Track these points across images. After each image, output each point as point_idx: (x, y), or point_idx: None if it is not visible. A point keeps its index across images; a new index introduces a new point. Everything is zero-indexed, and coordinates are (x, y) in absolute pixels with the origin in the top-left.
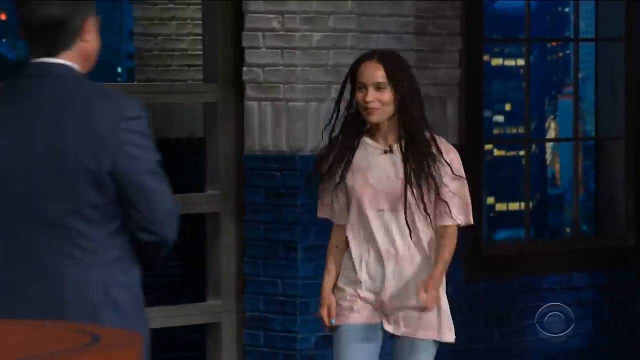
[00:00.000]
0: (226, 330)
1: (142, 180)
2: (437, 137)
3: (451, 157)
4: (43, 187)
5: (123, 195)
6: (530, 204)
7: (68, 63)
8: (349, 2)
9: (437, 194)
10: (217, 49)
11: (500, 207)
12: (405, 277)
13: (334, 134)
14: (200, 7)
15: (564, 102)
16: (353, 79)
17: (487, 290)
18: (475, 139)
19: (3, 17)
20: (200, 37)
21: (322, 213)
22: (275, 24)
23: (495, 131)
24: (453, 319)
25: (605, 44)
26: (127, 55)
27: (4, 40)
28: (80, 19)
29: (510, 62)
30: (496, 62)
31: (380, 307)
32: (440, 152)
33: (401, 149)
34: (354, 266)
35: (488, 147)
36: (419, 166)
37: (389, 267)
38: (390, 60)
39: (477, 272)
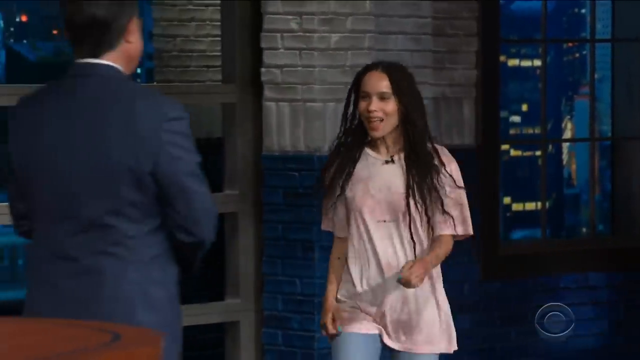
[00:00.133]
0: (244, 329)
1: (182, 181)
2: (438, 147)
3: (452, 168)
4: (85, 186)
5: (163, 195)
6: (547, 204)
7: (112, 64)
8: (367, 3)
9: (441, 205)
10: (235, 50)
11: (517, 207)
12: (405, 289)
13: (335, 144)
14: (219, 8)
15: (580, 102)
16: (357, 89)
17: (504, 290)
18: (492, 140)
19: (24, 18)
20: (219, 38)
21: (325, 226)
22: (293, 25)
23: (512, 131)
24: (470, 319)
25: (622, 44)
26: (146, 56)
27: (24, 41)
28: (124, 19)
29: (526, 63)
30: (513, 62)
31: (380, 320)
32: (443, 164)
33: (404, 161)
34: (352, 280)
35: (505, 147)
36: (422, 179)
37: (389, 279)
38: (395, 71)
39: (494, 271)
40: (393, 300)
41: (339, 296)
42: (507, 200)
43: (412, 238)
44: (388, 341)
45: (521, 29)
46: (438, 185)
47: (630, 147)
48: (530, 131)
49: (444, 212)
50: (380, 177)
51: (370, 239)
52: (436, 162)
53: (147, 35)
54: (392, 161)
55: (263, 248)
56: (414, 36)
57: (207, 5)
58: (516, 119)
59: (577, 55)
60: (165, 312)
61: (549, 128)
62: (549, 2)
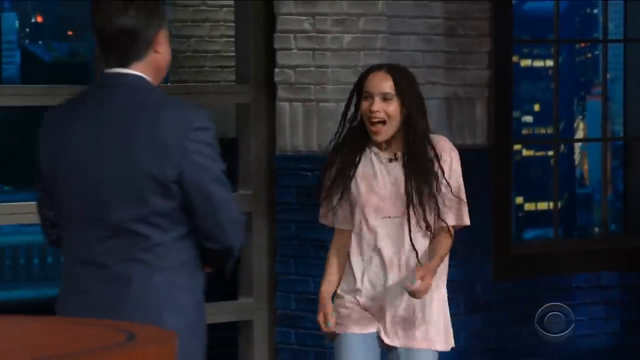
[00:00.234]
0: (258, 328)
1: (207, 189)
2: (438, 137)
3: (453, 156)
4: (112, 194)
5: (189, 203)
6: (559, 204)
7: (140, 74)
8: (379, 4)
9: (439, 209)
10: (249, 50)
11: (529, 206)
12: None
13: (334, 143)
14: (232, 9)
15: (593, 102)
16: (359, 89)
17: (516, 289)
18: (504, 140)
19: (39, 19)
20: (233, 39)
21: (324, 220)
22: (306, 26)
23: (524, 131)
24: (481, 318)
25: (634, 44)
26: None
27: (39, 42)
28: (153, 30)
29: (539, 63)
30: (525, 63)
31: (379, 316)
32: (443, 171)
33: (403, 164)
34: (353, 274)
35: (517, 147)
36: (421, 186)
37: (391, 275)
38: (398, 73)
39: (506, 271)
40: (393, 296)
41: (338, 291)
42: (519, 200)
43: (411, 242)
44: (386, 339)
45: (533, 30)
46: (436, 193)
47: None
48: (543, 131)
49: (443, 209)
50: (384, 174)
51: (374, 235)
52: (436, 167)
53: None
54: (396, 159)
55: (276, 247)
56: (426, 37)
57: (221, 6)
58: (528, 119)
59: (590, 55)
60: (191, 318)
61: (562, 128)
62: (561, 3)
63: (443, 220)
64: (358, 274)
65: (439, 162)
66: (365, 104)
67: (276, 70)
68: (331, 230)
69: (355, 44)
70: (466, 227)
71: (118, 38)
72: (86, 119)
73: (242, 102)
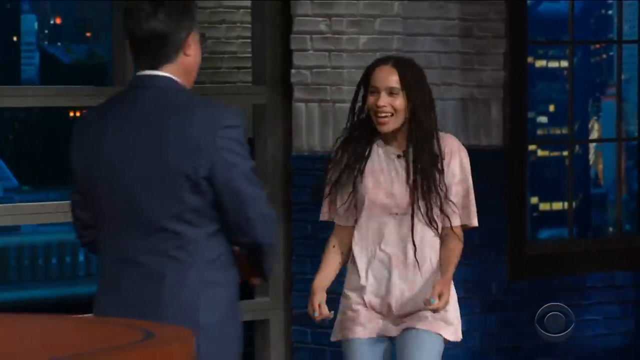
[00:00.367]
0: (274, 328)
1: (237, 186)
2: (447, 136)
3: (462, 156)
4: (147, 193)
5: (218, 199)
6: (574, 204)
7: (170, 75)
8: (395, 5)
9: (441, 207)
10: (265, 51)
11: (544, 206)
12: (412, 283)
13: (342, 139)
14: (249, 10)
15: (607, 103)
16: (366, 83)
17: (530, 289)
18: (520, 140)
19: (58, 21)
20: (249, 40)
21: (324, 217)
22: (322, 27)
23: (539, 132)
24: (496, 318)
25: None
26: None
27: (58, 43)
28: (183, 34)
29: (554, 64)
30: (540, 64)
31: (386, 312)
32: (443, 171)
33: (409, 159)
34: (358, 271)
35: (532, 147)
36: (424, 182)
37: (396, 271)
38: (405, 67)
39: (521, 271)
40: (399, 292)
41: (345, 290)
42: (534, 200)
43: (412, 237)
44: (392, 333)
45: (548, 31)
46: (440, 189)
47: None
48: (558, 132)
49: (447, 209)
50: (391, 170)
51: (380, 232)
52: (439, 165)
53: None
54: (404, 155)
55: (292, 247)
56: (441, 38)
57: (237, 8)
58: (543, 119)
59: (604, 56)
60: (226, 313)
61: (576, 128)
62: (576, 4)
63: (449, 220)
64: (362, 270)
65: (443, 159)
66: (371, 99)
67: (292, 71)
68: None
69: (371, 45)
70: (474, 228)
71: (148, 42)
72: (119, 121)
73: (259, 102)
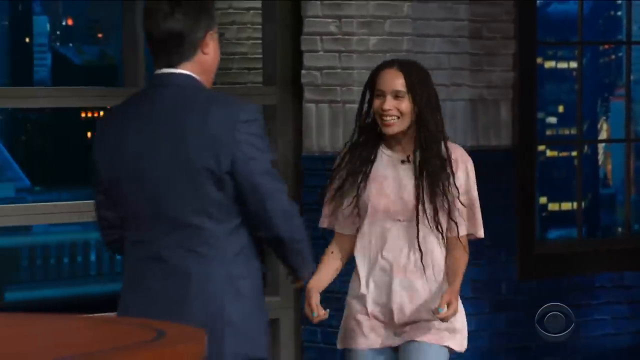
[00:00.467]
0: (284, 327)
1: (257, 180)
2: (454, 146)
3: (468, 167)
4: (170, 188)
5: (240, 194)
6: (583, 204)
7: (188, 72)
8: (405, 6)
9: (450, 210)
10: (276, 52)
11: (553, 206)
12: (414, 290)
13: (348, 144)
14: (259, 12)
15: (616, 103)
16: (372, 87)
17: (540, 289)
18: (529, 141)
19: (70, 22)
20: (260, 41)
21: (324, 224)
22: (333, 28)
23: (548, 132)
24: (505, 318)
25: None
26: None
27: (70, 44)
28: (201, 32)
29: (563, 65)
30: (549, 64)
31: (389, 321)
32: (453, 173)
33: (415, 164)
34: (359, 279)
35: (541, 148)
36: (432, 185)
37: (397, 279)
38: (411, 70)
39: (530, 271)
40: (400, 299)
41: (347, 297)
42: (543, 200)
43: (418, 242)
44: (395, 342)
45: (558, 32)
46: (448, 193)
47: None
48: (567, 132)
49: (455, 215)
50: (396, 176)
51: (383, 238)
52: (447, 168)
53: None
54: (408, 161)
55: None
56: (451, 39)
57: (248, 9)
58: (552, 120)
59: (613, 57)
60: (252, 304)
61: (585, 129)
62: (585, 5)
63: (457, 228)
64: (363, 278)
65: (450, 165)
66: (377, 102)
67: (303, 72)
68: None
69: (381, 46)
70: (480, 239)
71: (166, 41)
72: (140, 120)
73: (269, 103)
